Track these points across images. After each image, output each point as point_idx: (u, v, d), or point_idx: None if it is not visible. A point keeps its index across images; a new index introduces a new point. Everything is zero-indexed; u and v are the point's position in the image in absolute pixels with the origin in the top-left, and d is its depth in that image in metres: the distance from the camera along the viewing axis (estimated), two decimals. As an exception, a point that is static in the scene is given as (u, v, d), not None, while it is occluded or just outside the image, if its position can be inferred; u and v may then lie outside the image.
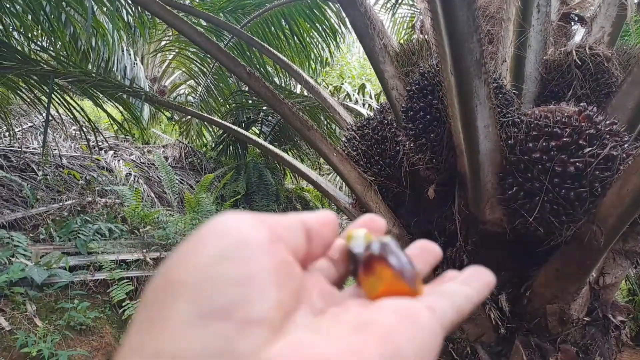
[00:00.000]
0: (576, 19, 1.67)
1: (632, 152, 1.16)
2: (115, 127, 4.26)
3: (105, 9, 3.49)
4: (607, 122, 1.19)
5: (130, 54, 6.74)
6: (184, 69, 6.76)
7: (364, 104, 7.14)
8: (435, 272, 1.36)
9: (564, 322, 1.44)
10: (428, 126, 1.42)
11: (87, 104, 5.47)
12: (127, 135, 6.79)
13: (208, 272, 0.21)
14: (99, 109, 3.45)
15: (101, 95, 3.25)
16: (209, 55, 4.63)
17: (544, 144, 1.18)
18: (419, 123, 1.43)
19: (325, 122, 5.00)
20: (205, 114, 4.71)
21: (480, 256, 1.49)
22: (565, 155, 1.15)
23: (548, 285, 1.40)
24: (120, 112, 3.65)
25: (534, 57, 1.46)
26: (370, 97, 7.76)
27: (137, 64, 6.99)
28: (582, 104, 1.23)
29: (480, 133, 1.21)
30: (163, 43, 5.99)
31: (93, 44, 4.74)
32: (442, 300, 0.27)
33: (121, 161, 6.39)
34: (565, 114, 1.20)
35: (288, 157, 2.12)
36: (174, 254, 0.23)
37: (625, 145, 1.18)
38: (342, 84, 9.41)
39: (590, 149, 1.13)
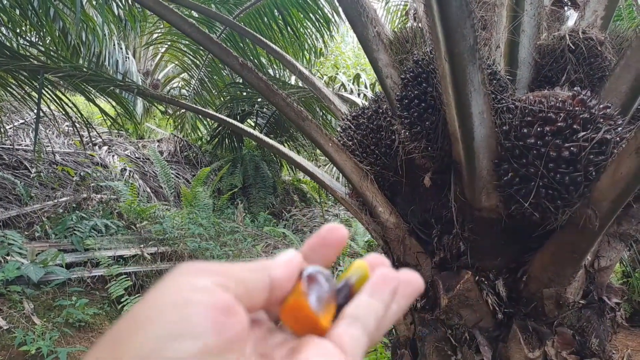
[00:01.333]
0: (569, 2, 1.66)
1: (626, 136, 1.16)
2: (109, 123, 4.22)
3: (94, 2, 3.44)
4: (601, 106, 1.19)
5: (122, 48, 6.65)
6: (176, 62, 6.69)
7: (359, 94, 7.12)
8: (433, 259, 1.35)
9: (560, 305, 1.45)
10: (423, 114, 1.41)
11: (79, 100, 5.41)
12: (121, 130, 6.74)
13: (155, 351, 0.23)
14: (91, 104, 3.42)
15: (93, 90, 3.21)
16: (201, 47, 4.59)
17: (538, 129, 1.18)
18: (414, 111, 1.42)
19: (321, 113, 4.98)
20: (200, 107, 4.66)
21: (476, 243, 1.50)
22: (559, 140, 1.15)
23: (544, 269, 1.41)
24: (113, 107, 3.62)
25: (528, 42, 1.46)
26: (365, 87, 7.74)
27: (129, 57, 6.91)
28: (575, 89, 1.23)
29: (475, 120, 1.21)
30: (155, 36, 5.92)
31: (83, 38, 4.67)
32: (354, 331, 0.29)
33: (116, 156, 6.35)
34: (559, 99, 1.20)
35: (284, 149, 2.11)
36: (123, 322, 0.25)
37: (619, 128, 1.19)
38: (337, 74, 9.36)
39: (585, 133, 1.14)
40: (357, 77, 8.23)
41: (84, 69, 3.03)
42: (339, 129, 1.88)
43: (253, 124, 7.12)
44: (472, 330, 1.51)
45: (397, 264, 1.74)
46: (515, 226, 1.40)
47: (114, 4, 3.89)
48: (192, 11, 3.90)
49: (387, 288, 0.32)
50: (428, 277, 1.63)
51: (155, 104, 5.33)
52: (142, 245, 4.29)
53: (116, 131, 6.90)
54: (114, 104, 3.53)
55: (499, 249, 1.51)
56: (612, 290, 1.66)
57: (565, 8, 1.69)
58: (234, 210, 6.12)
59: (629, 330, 4.22)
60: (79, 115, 3.53)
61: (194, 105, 2.98)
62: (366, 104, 1.95)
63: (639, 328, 4.26)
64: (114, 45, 6.28)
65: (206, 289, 0.25)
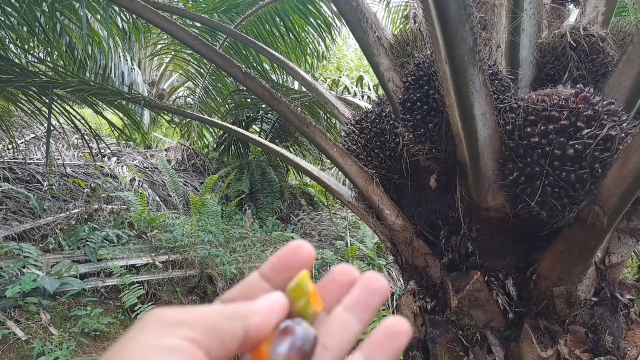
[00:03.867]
0: (569, -1, 1.66)
1: (631, 131, 1.16)
2: (117, 134, 4.29)
3: (99, 17, 3.50)
4: (605, 102, 1.19)
5: (127, 60, 6.75)
6: (181, 71, 6.77)
7: (362, 96, 7.13)
8: (442, 260, 1.35)
9: (572, 303, 1.44)
10: (426, 116, 1.42)
11: (88, 112, 5.49)
12: (129, 140, 6.82)
13: None
14: (99, 116, 3.47)
15: (101, 102, 3.26)
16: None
17: (542, 127, 1.18)
18: (417, 114, 1.43)
19: (325, 117, 5.00)
20: (205, 115, 4.71)
21: (484, 243, 1.50)
22: (564, 138, 1.15)
23: (553, 268, 1.40)
24: (121, 118, 3.67)
25: (528, 41, 1.46)
26: (369, 89, 7.75)
27: (134, 69, 7.00)
28: (578, 86, 1.23)
29: (478, 121, 1.21)
30: (159, 46, 5.99)
31: (90, 52, 4.75)
32: None
33: (125, 167, 6.43)
34: (562, 97, 1.20)
35: (289, 155, 2.12)
36: None
37: (624, 124, 1.18)
38: (340, 77, 9.39)
39: (589, 130, 1.13)
40: (360, 79, 8.24)
41: (92, 83, 3.08)
42: (342, 133, 1.89)
43: (258, 130, 7.16)
44: (483, 331, 1.51)
45: (406, 266, 1.74)
46: (523, 225, 1.40)
47: (118, 18, 3.95)
48: (195, 22, 3.94)
49: (370, 304, 0.30)
50: (437, 279, 1.63)
51: (162, 114, 5.40)
52: (153, 254, 4.33)
53: (124, 142, 6.99)
54: (121, 115, 3.58)
55: (508, 249, 1.50)
56: (624, 287, 1.65)
57: (566, 5, 1.69)
58: (242, 216, 6.16)
59: (646, 325, 4.14)
60: (88, 127, 3.59)
61: (200, 114, 3.01)
62: (369, 107, 1.96)
63: (656, 323, 4.17)
64: (120, 57, 6.37)
65: (176, 349, 0.25)
